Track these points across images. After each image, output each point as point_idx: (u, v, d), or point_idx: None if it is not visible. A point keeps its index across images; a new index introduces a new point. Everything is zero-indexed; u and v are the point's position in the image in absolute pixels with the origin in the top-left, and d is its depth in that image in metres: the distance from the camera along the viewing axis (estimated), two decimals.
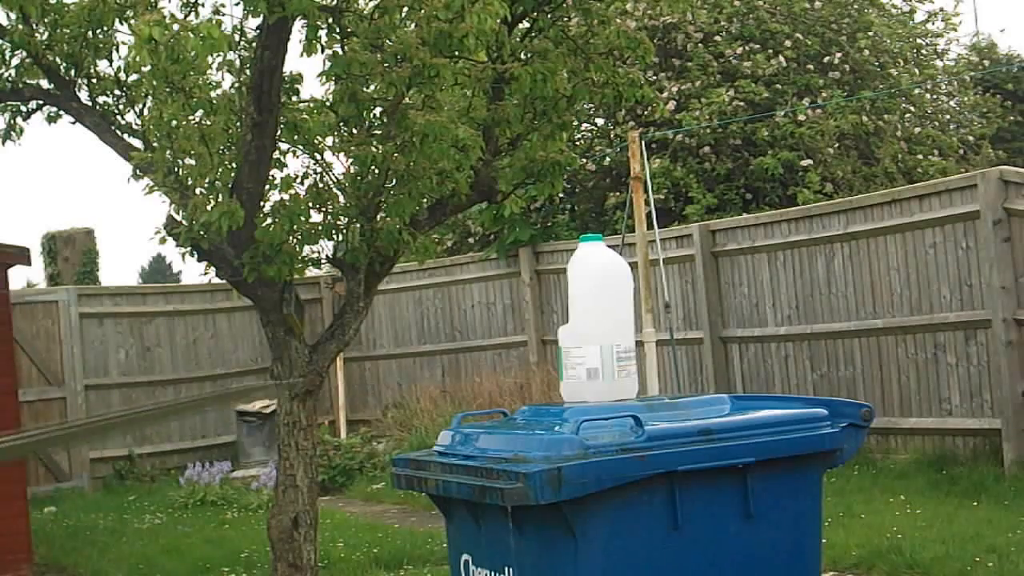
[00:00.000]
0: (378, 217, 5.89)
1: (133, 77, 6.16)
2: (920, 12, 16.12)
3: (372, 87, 5.72)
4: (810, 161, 13.36)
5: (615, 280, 3.31)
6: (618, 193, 13.29)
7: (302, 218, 5.73)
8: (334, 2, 5.66)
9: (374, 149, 5.72)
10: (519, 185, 6.54)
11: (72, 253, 16.58)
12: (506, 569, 3.09)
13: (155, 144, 5.75)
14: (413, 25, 5.54)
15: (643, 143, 9.57)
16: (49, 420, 11.88)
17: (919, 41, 15.80)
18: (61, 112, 6.46)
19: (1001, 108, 15.92)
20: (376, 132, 5.89)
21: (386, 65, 5.45)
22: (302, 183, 5.99)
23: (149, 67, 4.96)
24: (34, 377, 12.21)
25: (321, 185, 5.99)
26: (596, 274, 3.30)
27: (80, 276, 16.27)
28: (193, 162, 5.53)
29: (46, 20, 5.91)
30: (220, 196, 5.48)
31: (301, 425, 5.96)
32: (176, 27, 4.82)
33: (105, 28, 5.85)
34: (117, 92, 6.35)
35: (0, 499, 7.83)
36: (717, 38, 14.17)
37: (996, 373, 8.51)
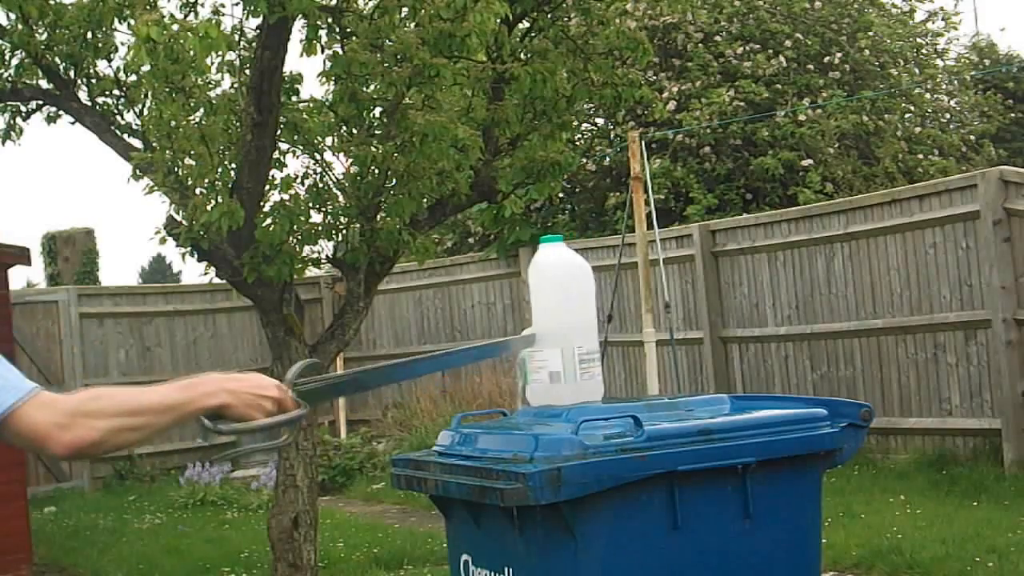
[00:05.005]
0: (378, 217, 5.89)
1: (132, 77, 6.16)
2: (920, 12, 16.13)
3: (372, 87, 5.72)
4: (810, 161, 13.36)
5: (575, 281, 3.26)
6: (618, 193, 13.29)
7: (302, 218, 5.73)
8: (334, 2, 5.66)
9: (374, 149, 5.72)
10: (519, 185, 6.54)
11: (72, 253, 16.59)
12: (506, 569, 3.09)
13: (155, 144, 5.75)
14: (413, 25, 5.54)
15: (643, 143, 9.58)
16: None
17: (919, 41, 15.81)
18: (61, 112, 6.47)
19: (1002, 107, 15.92)
20: (376, 132, 5.89)
21: (386, 65, 5.45)
22: (302, 183, 5.99)
23: (148, 67, 4.97)
24: (34, 377, 12.05)
25: (321, 185, 5.99)
26: (555, 276, 3.27)
27: (80, 276, 16.27)
28: (193, 162, 5.53)
29: (46, 20, 5.91)
30: (220, 196, 5.47)
31: (301, 425, 5.95)
32: (175, 27, 4.82)
33: (104, 28, 5.85)
34: (117, 92, 6.36)
35: (0, 499, 7.83)
36: (717, 38, 14.17)
37: (996, 373, 8.51)
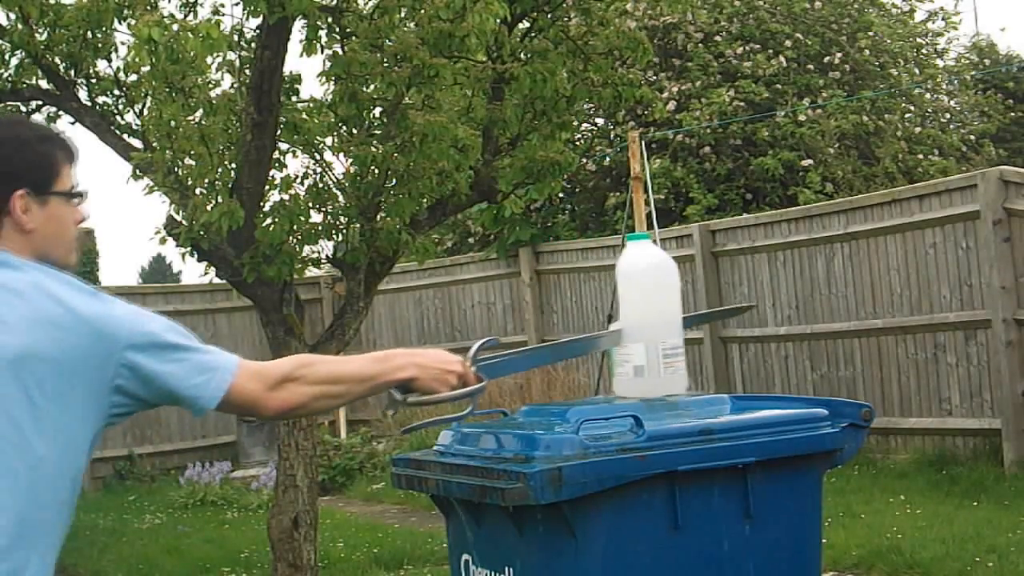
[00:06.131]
0: (378, 217, 5.89)
1: (132, 77, 6.16)
2: (920, 12, 16.14)
3: (372, 87, 5.72)
4: (810, 161, 13.36)
5: (661, 279, 3.35)
6: (618, 193, 13.29)
7: (302, 218, 5.73)
8: (334, 2, 5.66)
9: (374, 149, 5.72)
10: (519, 185, 6.54)
11: None
12: (506, 569, 3.09)
13: (155, 144, 5.75)
14: (413, 25, 5.54)
15: (643, 143, 9.57)
16: None
17: (919, 41, 15.80)
18: (61, 112, 6.46)
19: (1002, 107, 15.92)
20: (376, 132, 5.90)
21: (386, 65, 5.45)
22: (302, 183, 5.99)
23: (148, 67, 4.97)
24: None
25: (321, 185, 5.99)
26: (641, 273, 3.34)
27: (80, 276, 16.24)
28: (193, 162, 5.53)
29: (45, 20, 5.91)
30: (220, 196, 5.48)
31: (301, 425, 5.96)
32: (176, 27, 4.82)
33: (104, 28, 5.85)
34: (117, 92, 6.36)
35: None
36: (717, 38, 14.17)
37: (996, 373, 8.51)
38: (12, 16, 5.95)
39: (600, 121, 14.94)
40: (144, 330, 2.07)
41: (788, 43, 14.06)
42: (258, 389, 2.14)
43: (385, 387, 2.32)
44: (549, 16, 6.34)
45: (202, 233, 5.49)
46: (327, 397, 2.22)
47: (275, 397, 2.15)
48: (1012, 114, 16.22)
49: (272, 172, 5.82)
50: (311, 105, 5.99)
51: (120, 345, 2.04)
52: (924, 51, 15.80)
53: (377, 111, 5.93)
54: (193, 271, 71.50)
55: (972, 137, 15.06)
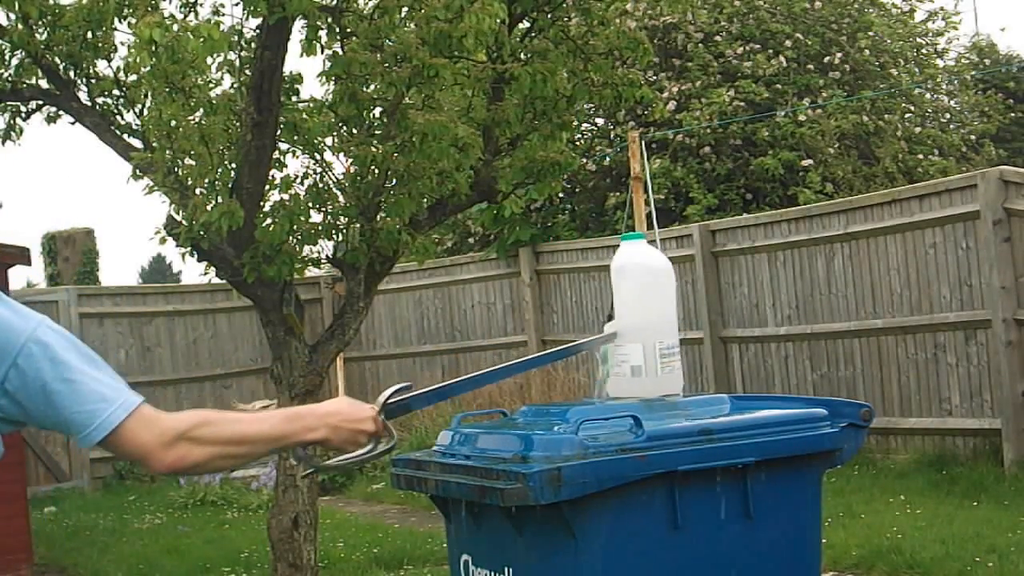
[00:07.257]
0: (378, 217, 5.89)
1: (132, 77, 6.16)
2: (920, 12, 16.14)
3: (372, 87, 5.72)
4: (810, 161, 13.36)
5: (657, 278, 3.34)
6: (618, 193, 13.29)
7: (302, 218, 5.73)
8: (334, 2, 5.66)
9: (374, 149, 5.72)
10: (519, 185, 6.54)
11: (72, 253, 16.58)
12: (506, 569, 3.09)
13: (155, 144, 5.75)
14: (413, 25, 5.54)
15: (643, 143, 9.58)
16: None
17: (919, 41, 15.81)
18: (61, 112, 6.47)
19: (1002, 107, 15.92)
20: (376, 132, 5.89)
21: (386, 65, 5.45)
22: (302, 183, 5.99)
23: (149, 68, 4.97)
24: None
25: (321, 185, 5.99)
26: (637, 272, 3.34)
27: (80, 276, 16.27)
28: (193, 162, 5.54)
29: (45, 20, 5.91)
30: (220, 196, 5.48)
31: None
32: (176, 28, 4.82)
33: (104, 28, 5.85)
34: (117, 92, 6.36)
35: (0, 499, 7.83)
36: (717, 38, 14.17)
37: (996, 373, 8.51)
38: (12, 16, 5.95)
39: (600, 121, 14.94)
40: (43, 340, 1.99)
41: (788, 43, 14.06)
42: (150, 440, 2.04)
43: (292, 447, 2.31)
44: (549, 16, 6.34)
45: (202, 233, 5.49)
46: (227, 458, 2.15)
47: (169, 453, 2.06)
48: (1012, 114, 16.22)
49: (272, 172, 5.82)
50: (311, 105, 5.99)
51: (15, 350, 1.97)
52: (924, 51, 15.80)
53: (377, 111, 5.93)
54: (193, 271, 71.60)
55: (972, 137, 15.06)
